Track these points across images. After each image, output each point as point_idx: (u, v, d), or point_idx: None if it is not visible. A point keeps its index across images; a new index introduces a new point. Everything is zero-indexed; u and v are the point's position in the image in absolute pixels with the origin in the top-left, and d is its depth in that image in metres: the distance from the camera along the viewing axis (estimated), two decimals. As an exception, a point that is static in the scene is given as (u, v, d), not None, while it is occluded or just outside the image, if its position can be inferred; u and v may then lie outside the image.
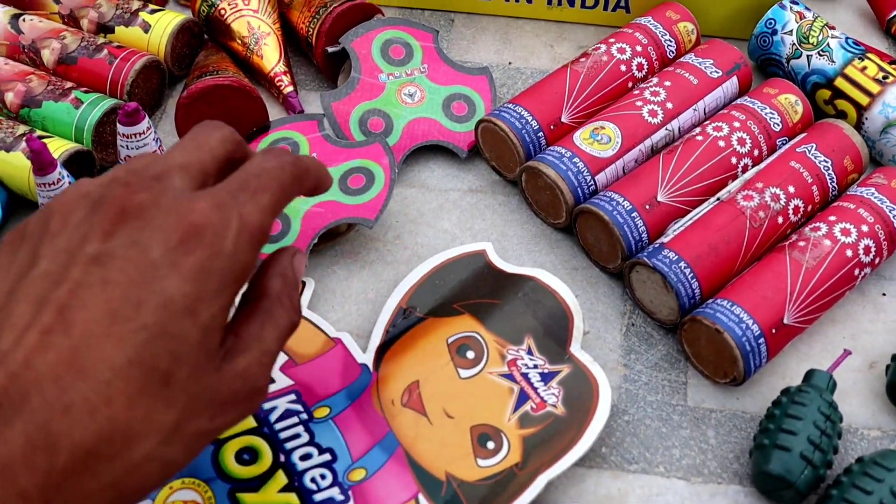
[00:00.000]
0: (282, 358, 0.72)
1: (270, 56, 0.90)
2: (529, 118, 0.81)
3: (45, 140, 0.80)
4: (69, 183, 0.75)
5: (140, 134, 0.77)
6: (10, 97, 0.86)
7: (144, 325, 0.42)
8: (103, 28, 0.91)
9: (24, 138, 0.79)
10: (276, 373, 0.72)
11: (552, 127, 0.82)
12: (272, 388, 0.71)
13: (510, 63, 0.95)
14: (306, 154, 0.82)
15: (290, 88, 0.89)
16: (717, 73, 0.84)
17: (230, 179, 0.51)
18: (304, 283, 0.77)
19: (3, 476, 0.39)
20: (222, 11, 0.91)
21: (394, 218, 0.82)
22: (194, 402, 0.44)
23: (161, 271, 0.43)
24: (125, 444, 0.42)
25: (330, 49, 0.89)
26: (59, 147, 0.81)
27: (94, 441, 0.41)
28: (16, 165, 0.81)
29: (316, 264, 0.79)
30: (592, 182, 0.78)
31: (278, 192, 0.52)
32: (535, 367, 0.70)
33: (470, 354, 0.71)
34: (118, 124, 0.76)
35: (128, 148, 0.77)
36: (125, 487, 0.43)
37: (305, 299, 0.76)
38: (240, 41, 0.90)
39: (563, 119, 0.82)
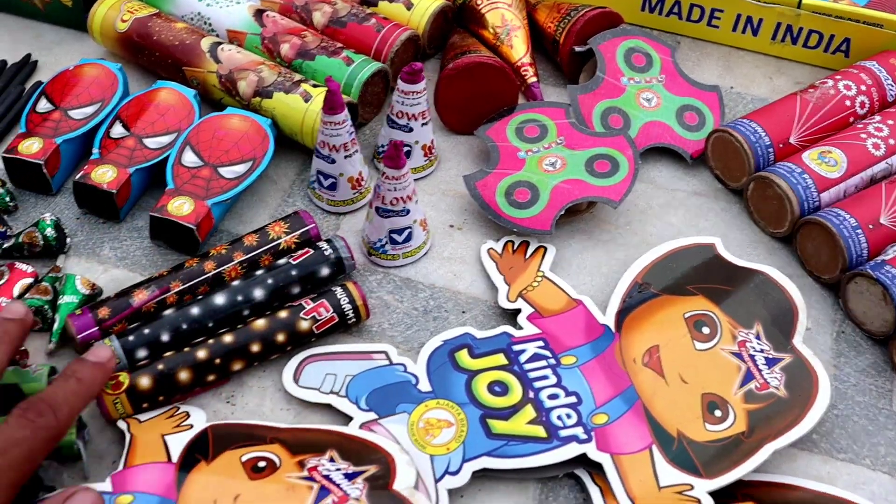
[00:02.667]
0: (528, 309, 0.79)
1: (519, 47, 0.98)
2: (763, 134, 0.89)
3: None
4: (350, 124, 0.83)
5: (417, 93, 0.85)
6: (285, 48, 0.94)
7: None
8: (366, 1, 1.00)
9: (324, 80, 0.86)
10: (523, 321, 0.79)
11: (781, 145, 0.89)
12: (521, 333, 0.78)
13: (731, 87, 1.02)
14: (553, 137, 0.89)
15: (534, 79, 0.97)
16: (937, 119, 0.91)
17: None
18: (545, 249, 0.85)
19: None
20: (478, 2, 1.00)
21: (625, 206, 0.89)
22: None
23: None
24: None
25: (578, 48, 0.97)
26: (332, 97, 0.89)
27: None
28: (292, 107, 0.89)
29: (555, 236, 0.87)
30: (818, 198, 0.85)
31: (17, 477, 0.58)
32: (762, 351, 0.77)
33: (705, 330, 0.77)
34: (399, 80, 0.84)
35: (402, 104, 0.86)
36: None
37: (547, 264, 0.83)
38: (492, 30, 0.99)
39: (791, 140, 0.89)
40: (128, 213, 0.88)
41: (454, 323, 0.80)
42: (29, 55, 1.02)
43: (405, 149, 0.87)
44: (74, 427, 0.70)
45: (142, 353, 0.74)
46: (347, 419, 0.73)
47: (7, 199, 0.87)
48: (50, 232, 0.83)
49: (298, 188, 0.90)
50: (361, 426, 0.72)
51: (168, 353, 0.74)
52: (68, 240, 0.85)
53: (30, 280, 0.80)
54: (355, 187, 0.86)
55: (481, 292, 0.83)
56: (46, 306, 0.79)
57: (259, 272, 0.78)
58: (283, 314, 0.76)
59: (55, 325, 0.78)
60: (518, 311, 0.80)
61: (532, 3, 1.02)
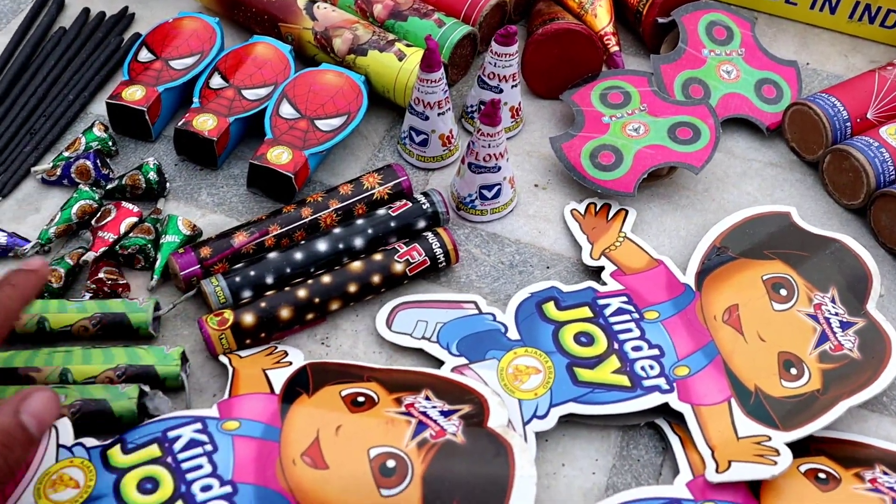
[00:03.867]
0: (611, 267, 0.83)
1: (602, 17, 1.01)
2: (841, 108, 0.92)
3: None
4: (445, 83, 0.86)
5: (510, 55, 0.88)
6: (378, 9, 0.97)
7: None
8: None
9: (425, 38, 0.89)
10: (607, 277, 0.82)
11: (858, 120, 0.92)
12: (605, 289, 0.81)
13: (808, 64, 1.05)
14: (636, 104, 0.92)
15: (617, 48, 1.00)
16: None
17: None
18: (626, 212, 0.88)
19: None
20: (564, -29, 1.02)
21: (703, 174, 0.93)
22: None
23: None
24: None
25: (661, 19, 1.00)
26: (424, 57, 0.92)
27: None
28: (385, 65, 0.93)
29: (636, 199, 0.90)
30: (894, 172, 0.88)
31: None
32: (836, 314, 0.80)
33: (783, 292, 0.81)
34: (493, 42, 0.87)
35: (494, 65, 0.89)
36: None
37: (629, 225, 0.87)
38: (576, 0, 1.02)
39: (869, 115, 0.92)
40: (224, 161, 0.91)
41: (539, 277, 0.84)
42: (126, 7, 1.06)
43: (494, 109, 0.90)
44: (179, 360, 0.74)
45: (246, 293, 0.78)
46: (437, 364, 0.77)
47: (110, 143, 0.91)
48: (153, 175, 0.87)
49: (388, 143, 0.94)
50: (453, 370, 0.75)
51: (269, 292, 0.78)
52: (168, 184, 0.89)
53: (135, 219, 0.84)
54: (445, 144, 0.90)
55: (564, 249, 0.86)
56: (149, 245, 0.82)
57: (359, 222, 0.82)
58: (377, 257, 0.80)
59: (157, 263, 0.82)
60: (600, 268, 0.83)
61: (615, -26, 1.05)
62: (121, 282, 0.80)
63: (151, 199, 0.88)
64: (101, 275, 0.80)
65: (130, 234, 0.82)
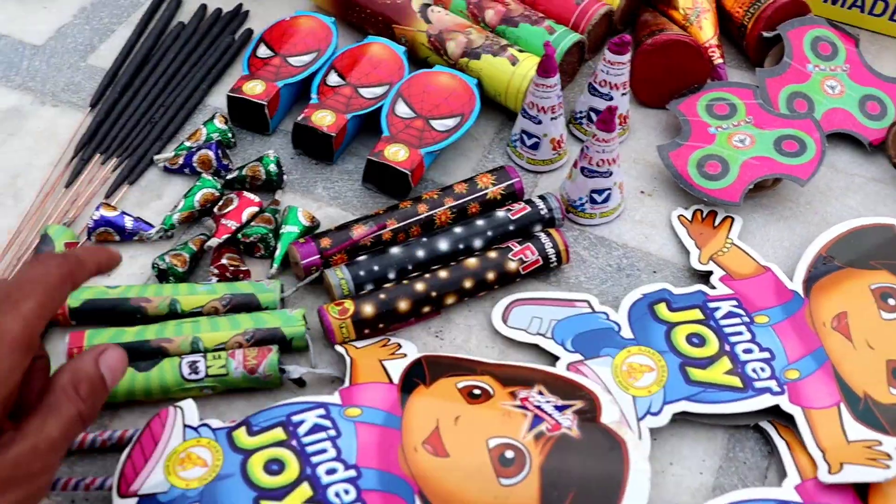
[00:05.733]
0: (720, 272, 0.85)
1: (707, 29, 1.03)
2: (946, 126, 0.93)
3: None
4: (560, 88, 0.88)
5: (622, 64, 0.90)
6: (489, 14, 1.00)
7: None
8: None
9: (543, 44, 0.92)
10: (716, 281, 0.84)
11: (962, 138, 0.93)
12: (714, 293, 0.83)
13: (910, 82, 1.07)
14: (742, 116, 0.94)
15: (721, 60, 1.02)
16: None
17: None
18: (732, 219, 0.90)
19: None
20: (671, -17, 1.05)
21: (806, 187, 0.94)
22: None
23: None
24: None
25: (766, 34, 1.02)
26: (534, 64, 0.94)
27: None
28: (499, 69, 0.95)
29: (740, 208, 0.92)
30: None
31: (43, 297, 0.55)
32: (945, 325, 0.81)
33: (891, 301, 0.82)
34: (606, 51, 0.90)
35: (607, 73, 0.91)
36: None
37: (735, 232, 0.89)
38: (682, 11, 1.04)
39: (972, 134, 0.94)
40: (339, 157, 0.94)
41: (646, 281, 0.86)
42: (241, 4, 1.09)
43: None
44: (303, 321, 0.78)
45: (368, 286, 0.81)
46: (549, 359, 0.79)
47: (230, 135, 0.94)
48: (273, 167, 0.90)
49: (497, 146, 0.96)
50: (568, 366, 0.78)
51: (388, 285, 0.80)
52: (285, 177, 0.92)
53: (256, 209, 0.87)
54: (556, 148, 0.92)
55: (671, 255, 0.88)
56: (269, 234, 0.85)
57: (479, 223, 0.84)
58: (492, 254, 0.82)
59: (277, 252, 0.85)
60: (708, 273, 0.85)
61: (720, -12, 1.07)
62: (242, 268, 0.83)
63: (269, 190, 0.91)
64: (223, 260, 0.82)
65: (252, 223, 0.85)
